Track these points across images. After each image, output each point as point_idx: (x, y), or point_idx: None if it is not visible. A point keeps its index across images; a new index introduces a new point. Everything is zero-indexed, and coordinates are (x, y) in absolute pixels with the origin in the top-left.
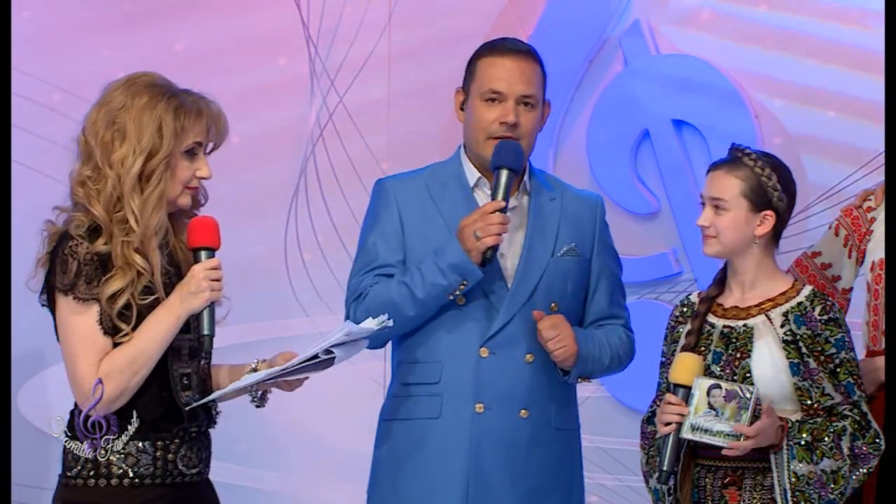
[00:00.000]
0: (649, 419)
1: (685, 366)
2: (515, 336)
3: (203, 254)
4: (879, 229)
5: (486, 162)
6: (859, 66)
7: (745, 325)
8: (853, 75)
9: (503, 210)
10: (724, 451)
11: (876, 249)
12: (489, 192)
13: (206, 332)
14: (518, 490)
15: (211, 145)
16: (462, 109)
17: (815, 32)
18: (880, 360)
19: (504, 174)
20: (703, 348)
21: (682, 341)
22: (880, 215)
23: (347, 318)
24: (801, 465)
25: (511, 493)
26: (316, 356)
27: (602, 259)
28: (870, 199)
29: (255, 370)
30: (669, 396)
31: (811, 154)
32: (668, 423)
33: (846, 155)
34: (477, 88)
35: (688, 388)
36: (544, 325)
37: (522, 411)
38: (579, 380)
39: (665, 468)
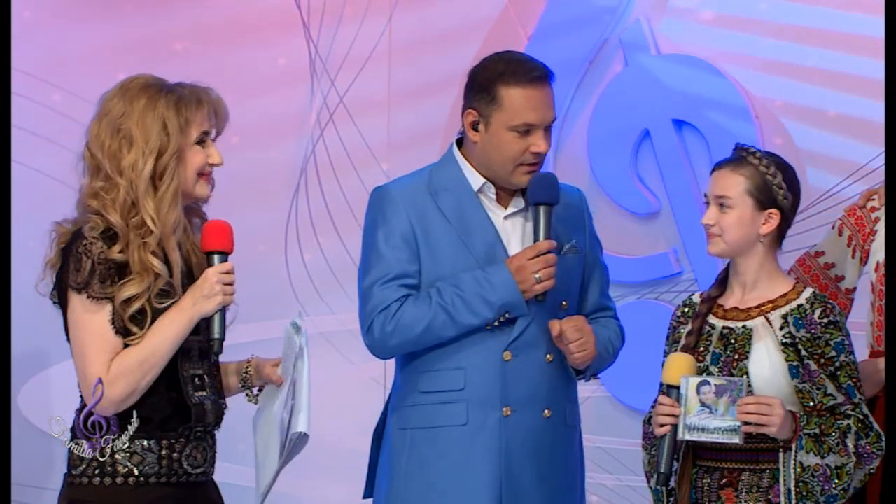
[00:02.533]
0: (651, 419)
1: (676, 366)
2: (536, 337)
3: (216, 257)
4: (884, 229)
5: (508, 184)
6: (860, 64)
7: (743, 327)
8: (854, 74)
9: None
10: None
11: (880, 249)
12: (493, 196)
13: (216, 335)
14: (544, 491)
15: (214, 132)
16: (474, 129)
17: (816, 31)
18: (883, 362)
19: (546, 211)
20: (702, 349)
21: (683, 342)
22: (884, 215)
23: (370, 328)
24: (808, 456)
25: (539, 493)
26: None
27: (593, 252)
28: (873, 199)
29: (246, 371)
30: (662, 398)
31: (812, 153)
32: (662, 425)
33: (847, 154)
34: (505, 119)
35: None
36: (568, 326)
37: (546, 411)
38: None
39: (662, 470)
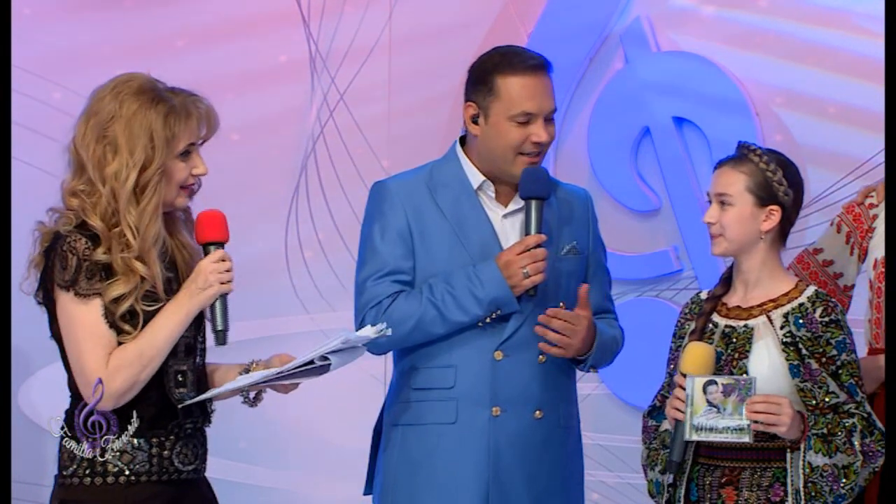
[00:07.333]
0: (650, 413)
1: (692, 357)
2: (528, 338)
3: (212, 248)
4: (882, 226)
5: (510, 176)
6: (860, 64)
7: (745, 326)
8: (854, 73)
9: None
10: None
11: (878, 246)
12: (493, 194)
13: (219, 327)
14: (533, 491)
15: (202, 140)
16: (474, 122)
17: (817, 30)
18: (882, 359)
19: (537, 205)
20: None
21: (686, 340)
22: (882, 212)
23: (362, 323)
24: (817, 456)
25: (527, 494)
26: (312, 362)
27: (596, 254)
28: (871, 196)
29: (247, 371)
30: (678, 391)
31: (812, 151)
32: (677, 409)
33: (848, 151)
34: (504, 109)
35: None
36: (560, 323)
37: (537, 412)
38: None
39: (674, 458)
